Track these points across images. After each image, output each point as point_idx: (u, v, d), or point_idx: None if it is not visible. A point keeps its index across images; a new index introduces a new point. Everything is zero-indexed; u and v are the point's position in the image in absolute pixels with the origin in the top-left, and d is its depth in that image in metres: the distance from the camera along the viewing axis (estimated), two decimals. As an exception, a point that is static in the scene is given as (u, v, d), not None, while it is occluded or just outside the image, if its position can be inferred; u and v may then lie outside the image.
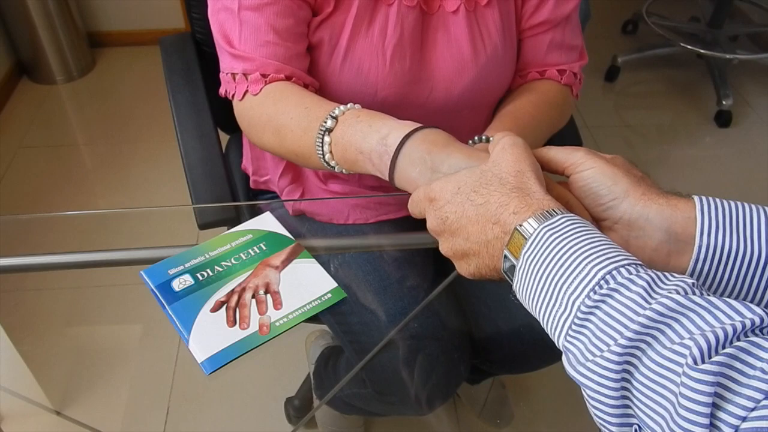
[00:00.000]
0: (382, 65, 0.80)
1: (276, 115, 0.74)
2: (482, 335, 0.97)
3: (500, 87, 0.89)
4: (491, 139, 0.78)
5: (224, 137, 1.15)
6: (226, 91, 0.81)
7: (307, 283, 0.66)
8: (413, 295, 0.89)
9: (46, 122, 2.41)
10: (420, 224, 1.02)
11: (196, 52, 1.10)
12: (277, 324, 0.62)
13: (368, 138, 0.62)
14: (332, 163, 0.67)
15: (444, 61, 0.82)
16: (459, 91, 0.84)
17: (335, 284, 0.67)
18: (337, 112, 0.67)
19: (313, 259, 0.69)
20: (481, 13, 0.83)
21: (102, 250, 0.76)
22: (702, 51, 2.44)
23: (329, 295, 0.65)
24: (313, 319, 0.68)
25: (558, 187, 0.52)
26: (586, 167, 0.51)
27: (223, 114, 1.01)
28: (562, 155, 0.53)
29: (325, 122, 0.66)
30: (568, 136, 1.07)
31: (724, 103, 2.32)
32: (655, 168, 2.08)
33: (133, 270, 0.69)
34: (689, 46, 2.44)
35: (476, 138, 0.79)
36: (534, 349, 0.95)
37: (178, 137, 1.01)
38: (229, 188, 0.98)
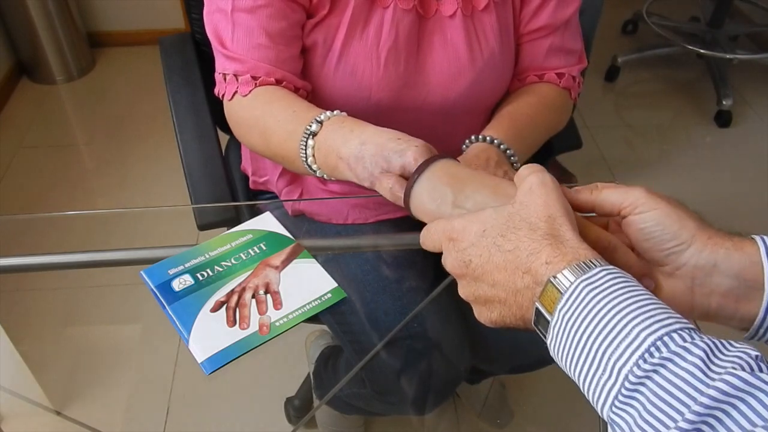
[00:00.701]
0: (376, 68, 0.80)
1: (263, 117, 0.74)
2: (482, 335, 0.97)
3: (497, 91, 0.89)
4: (488, 138, 0.78)
5: (224, 137, 1.15)
6: (218, 91, 0.81)
7: (307, 283, 0.66)
8: (413, 295, 0.89)
9: (46, 122, 2.41)
10: (419, 224, 1.02)
11: (195, 52, 1.10)
12: (277, 324, 0.62)
13: (349, 143, 0.62)
14: (314, 167, 0.68)
15: (440, 65, 0.82)
16: (455, 95, 0.84)
17: (335, 284, 0.67)
18: (323, 117, 0.67)
19: (313, 259, 0.69)
20: (478, 17, 0.83)
21: (102, 250, 0.76)
22: (702, 51, 2.44)
23: (329, 295, 0.65)
24: (313, 319, 0.68)
25: (597, 229, 0.49)
26: (647, 208, 0.47)
27: (222, 114, 1.00)
28: (617, 195, 0.49)
29: (310, 126, 0.67)
30: (567, 136, 1.07)
31: (724, 103, 2.32)
32: (655, 168, 2.08)
33: (133, 270, 0.69)
34: (689, 46, 2.44)
35: (473, 137, 0.80)
36: (534, 348, 0.95)
37: (178, 137, 1.01)
38: (228, 188, 0.98)
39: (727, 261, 0.45)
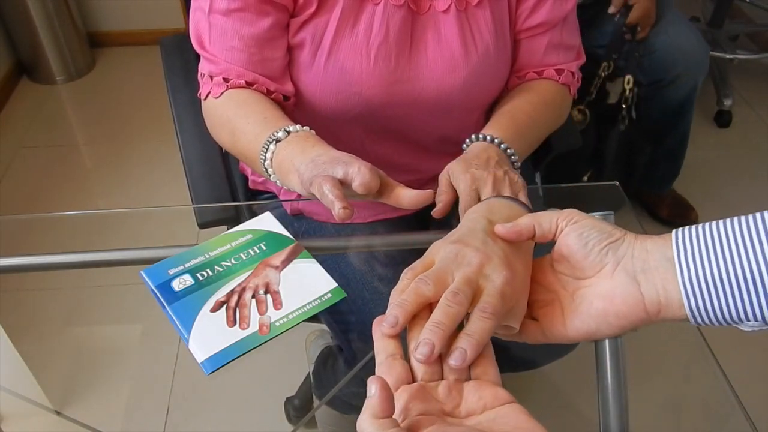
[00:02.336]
0: (366, 64, 0.80)
1: (235, 118, 0.77)
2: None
3: (493, 88, 0.89)
4: (488, 137, 0.78)
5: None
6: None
7: (307, 283, 0.66)
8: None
9: (46, 122, 2.41)
10: (416, 224, 1.02)
11: (196, 53, 1.10)
12: (277, 324, 0.62)
13: (306, 154, 0.65)
14: (270, 170, 0.71)
15: (434, 61, 0.82)
16: (449, 90, 0.84)
17: (335, 284, 0.66)
18: (291, 128, 0.70)
19: (313, 259, 0.69)
20: (472, 12, 0.83)
21: (102, 250, 0.76)
22: (702, 51, 2.43)
23: (329, 295, 0.65)
24: (313, 318, 0.68)
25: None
26: (582, 217, 0.51)
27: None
28: (548, 215, 0.52)
29: (277, 133, 0.70)
30: (566, 135, 1.07)
31: (724, 103, 2.32)
32: (654, 168, 2.09)
33: (133, 270, 0.69)
34: (689, 46, 2.44)
35: (473, 136, 0.79)
36: (533, 347, 0.95)
37: (178, 137, 1.01)
38: (228, 188, 0.98)
39: (655, 246, 0.48)
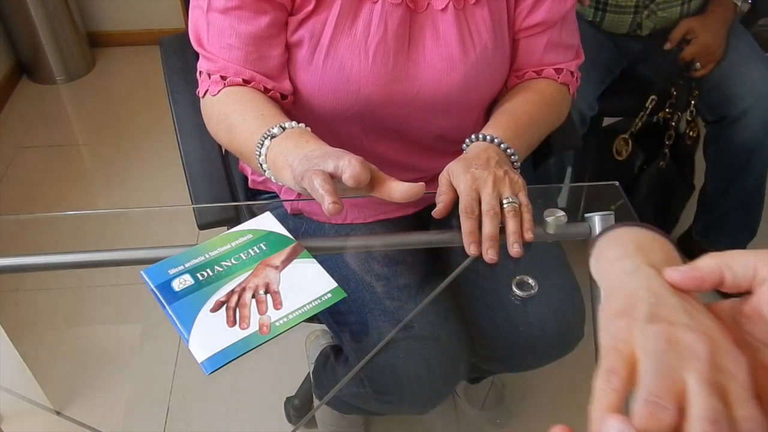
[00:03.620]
0: (364, 63, 0.80)
1: (232, 115, 0.78)
2: (481, 334, 0.97)
3: (492, 87, 0.89)
4: (488, 137, 0.78)
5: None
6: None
7: (307, 283, 0.66)
8: (411, 295, 0.89)
9: (46, 122, 2.41)
10: (416, 224, 1.02)
11: (195, 52, 1.10)
12: (277, 324, 0.62)
13: (299, 150, 0.66)
14: (264, 166, 0.71)
15: (432, 59, 0.83)
16: (448, 89, 0.84)
17: (335, 284, 0.66)
18: (287, 124, 0.71)
19: (313, 259, 0.69)
20: (470, 11, 0.83)
21: (102, 250, 0.76)
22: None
23: (329, 295, 0.65)
24: (313, 318, 0.68)
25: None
26: None
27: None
28: (742, 258, 0.39)
29: (272, 128, 0.70)
30: (566, 135, 1.07)
31: (724, 103, 2.31)
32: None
33: (133, 270, 0.69)
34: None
35: (473, 136, 0.80)
36: (533, 347, 0.95)
37: (178, 137, 1.01)
38: (228, 188, 0.98)
39: None
